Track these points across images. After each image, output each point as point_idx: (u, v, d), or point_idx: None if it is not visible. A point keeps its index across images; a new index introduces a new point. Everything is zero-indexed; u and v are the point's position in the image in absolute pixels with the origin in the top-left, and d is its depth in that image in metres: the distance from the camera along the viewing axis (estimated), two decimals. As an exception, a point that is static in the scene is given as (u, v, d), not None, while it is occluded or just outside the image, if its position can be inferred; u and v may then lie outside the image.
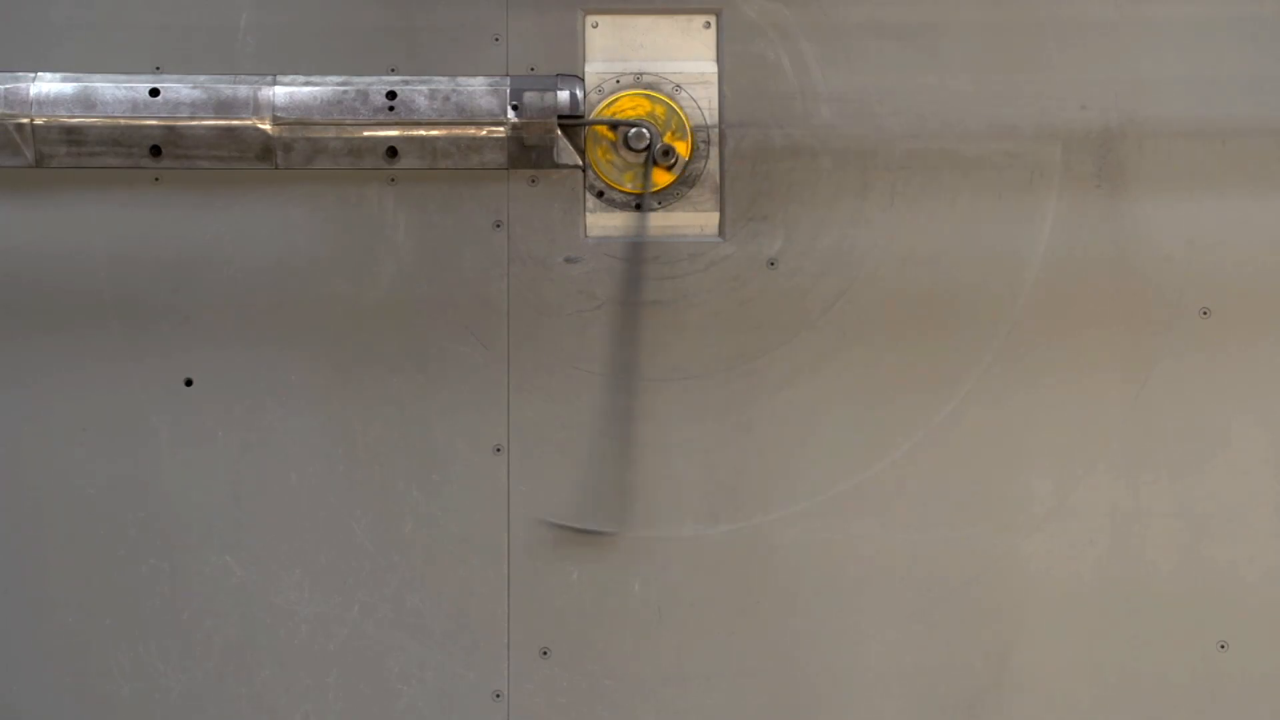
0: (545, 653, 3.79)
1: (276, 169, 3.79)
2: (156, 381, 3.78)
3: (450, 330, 3.81)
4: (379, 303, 3.81)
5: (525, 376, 3.81)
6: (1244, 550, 3.83)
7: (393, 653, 3.78)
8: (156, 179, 3.80)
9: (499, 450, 3.80)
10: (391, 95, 3.75)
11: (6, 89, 3.71)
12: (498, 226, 3.83)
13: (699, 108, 3.87)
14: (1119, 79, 3.87)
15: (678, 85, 3.87)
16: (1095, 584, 3.82)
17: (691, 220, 3.88)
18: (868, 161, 3.85)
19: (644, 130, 3.82)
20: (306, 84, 3.77)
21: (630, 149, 3.85)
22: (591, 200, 3.87)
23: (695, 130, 3.87)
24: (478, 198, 3.83)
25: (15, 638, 3.76)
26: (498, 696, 3.78)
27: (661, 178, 3.85)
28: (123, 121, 3.73)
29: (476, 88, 3.78)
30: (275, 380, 3.79)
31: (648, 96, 3.86)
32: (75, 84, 3.73)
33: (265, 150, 3.76)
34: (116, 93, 3.73)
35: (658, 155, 3.81)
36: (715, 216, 3.88)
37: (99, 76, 3.75)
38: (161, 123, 3.73)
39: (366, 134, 3.77)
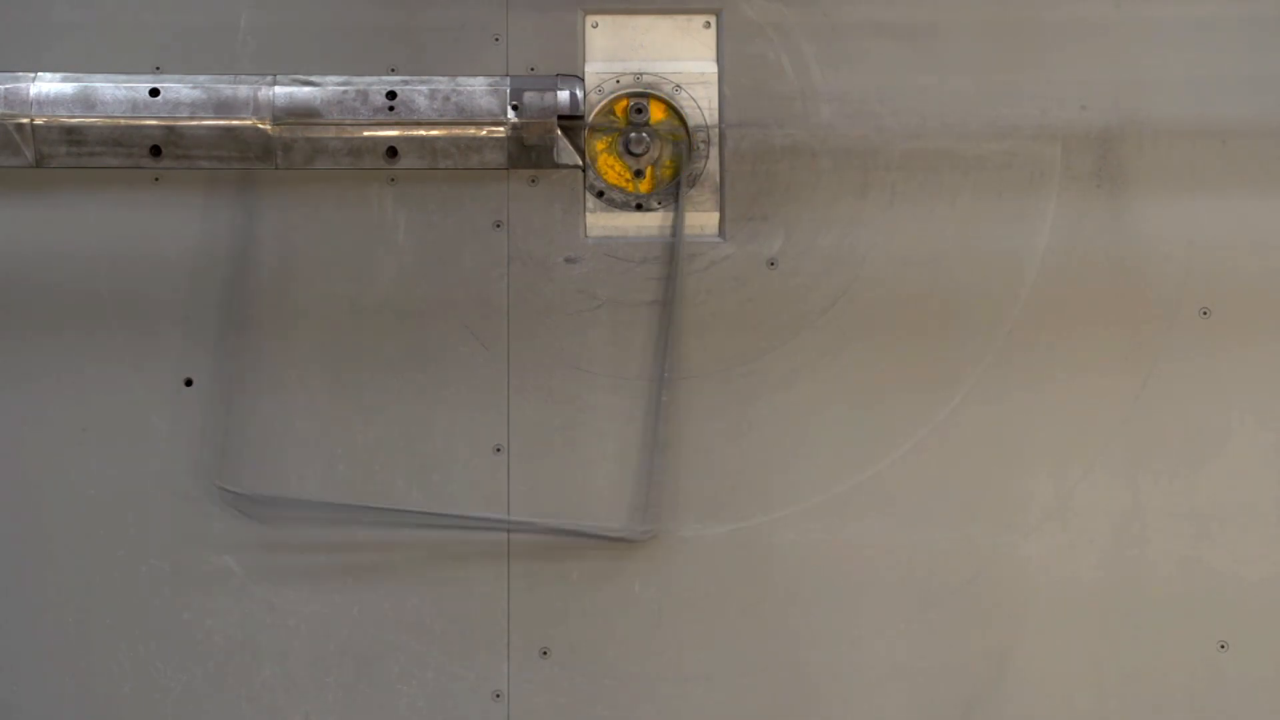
0: (545, 653, 3.79)
1: (276, 169, 3.79)
2: (156, 381, 3.78)
3: (450, 330, 3.81)
4: (379, 303, 3.81)
5: (525, 376, 3.81)
6: (1244, 550, 3.83)
7: (393, 653, 3.78)
8: (156, 179, 3.80)
9: (499, 450, 3.80)
10: (391, 95, 3.76)
11: (6, 89, 3.71)
12: (498, 226, 3.83)
13: (699, 108, 3.87)
14: (1119, 79, 3.87)
15: (678, 85, 3.87)
16: (1095, 584, 3.82)
17: (691, 220, 3.88)
18: (868, 161, 3.85)
19: (644, 135, 3.83)
20: (306, 84, 3.77)
21: (630, 153, 3.85)
22: (591, 200, 3.88)
23: (695, 130, 3.87)
24: (478, 198, 3.84)
25: (15, 638, 3.76)
26: (498, 696, 3.78)
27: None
28: (123, 121, 3.73)
29: (476, 88, 3.78)
30: (275, 380, 3.79)
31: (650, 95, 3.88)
32: (75, 84, 3.73)
33: (265, 150, 3.76)
34: (116, 93, 3.73)
35: (632, 113, 3.82)
36: (715, 216, 3.88)
37: (99, 76, 3.75)
38: (161, 123, 3.73)
39: (366, 134, 3.77)
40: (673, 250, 3.81)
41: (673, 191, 3.87)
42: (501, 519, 3.75)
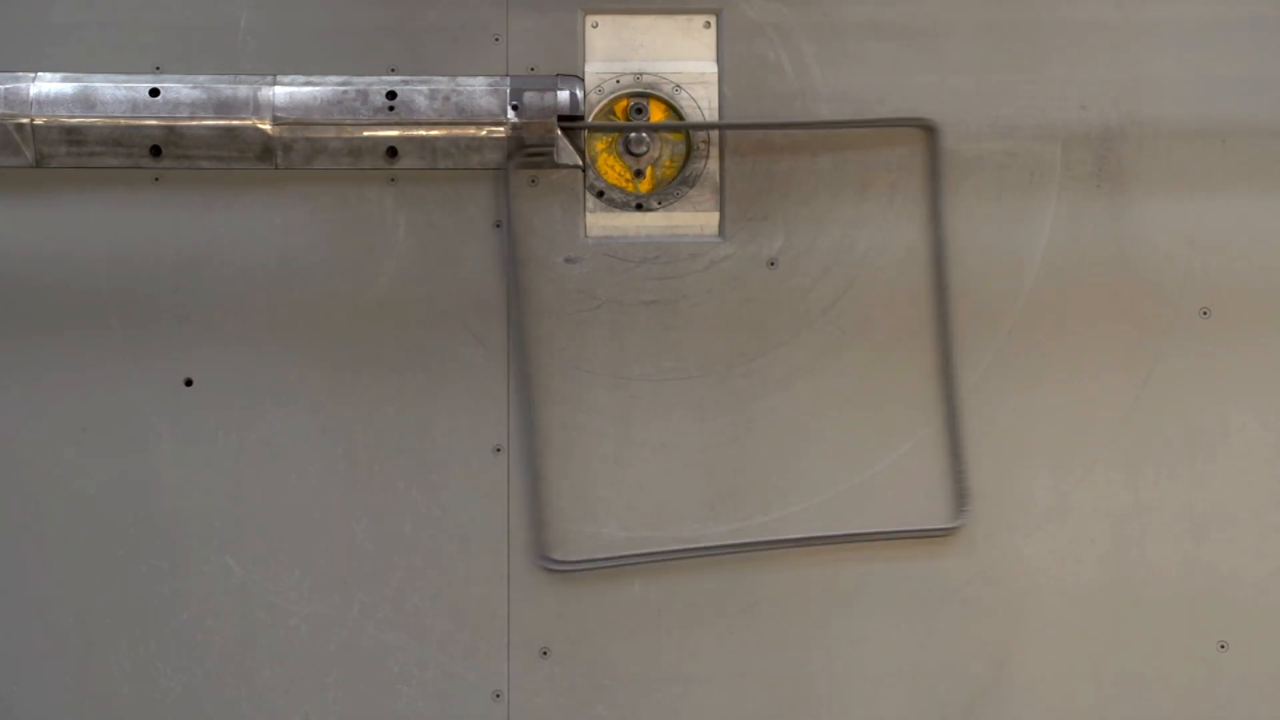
0: (545, 653, 3.79)
1: (276, 169, 3.79)
2: (156, 381, 3.78)
3: (450, 330, 3.81)
4: (379, 303, 3.81)
5: (525, 376, 3.81)
6: (1244, 550, 3.83)
7: (393, 653, 3.78)
8: (156, 179, 3.80)
9: (499, 450, 3.80)
10: (391, 95, 3.75)
11: (6, 89, 3.71)
12: (498, 226, 3.83)
13: (699, 108, 3.87)
14: (1119, 79, 3.87)
15: (678, 85, 3.87)
16: (1095, 584, 3.82)
17: (691, 220, 3.88)
18: (868, 161, 3.85)
19: (644, 135, 3.83)
20: (306, 84, 3.77)
21: (630, 153, 3.86)
22: (591, 200, 3.88)
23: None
24: (478, 198, 3.84)
25: (15, 638, 3.76)
26: (498, 696, 3.78)
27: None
28: (123, 121, 3.73)
29: (476, 88, 3.78)
30: (275, 380, 3.79)
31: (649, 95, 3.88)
32: (75, 84, 3.73)
33: (265, 150, 3.76)
34: (116, 93, 3.73)
35: (632, 114, 3.83)
36: (715, 216, 3.88)
37: (99, 76, 3.75)
38: (161, 123, 3.73)
39: (366, 134, 3.77)
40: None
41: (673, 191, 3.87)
42: (819, 536, 3.77)
